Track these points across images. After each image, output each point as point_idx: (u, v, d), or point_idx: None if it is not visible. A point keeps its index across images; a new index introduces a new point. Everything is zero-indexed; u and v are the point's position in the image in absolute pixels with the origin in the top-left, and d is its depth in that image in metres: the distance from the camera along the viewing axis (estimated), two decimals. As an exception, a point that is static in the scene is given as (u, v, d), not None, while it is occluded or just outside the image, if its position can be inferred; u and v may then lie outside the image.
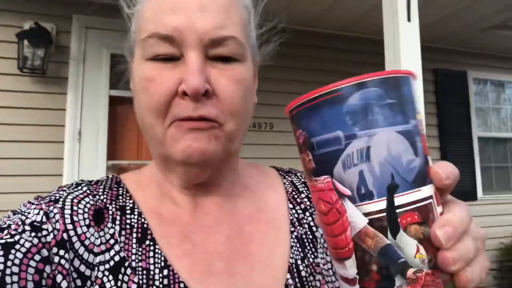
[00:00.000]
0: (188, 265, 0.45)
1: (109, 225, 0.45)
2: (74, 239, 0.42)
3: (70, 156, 2.60)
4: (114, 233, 0.44)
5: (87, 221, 0.43)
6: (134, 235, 0.45)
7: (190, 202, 0.50)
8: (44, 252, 0.39)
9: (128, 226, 0.45)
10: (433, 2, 2.93)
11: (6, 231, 0.39)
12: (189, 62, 0.42)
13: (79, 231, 0.42)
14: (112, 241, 0.43)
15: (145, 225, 0.46)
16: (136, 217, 0.46)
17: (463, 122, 4.04)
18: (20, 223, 0.41)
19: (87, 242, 0.42)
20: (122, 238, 0.44)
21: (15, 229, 0.40)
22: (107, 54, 2.74)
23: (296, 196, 0.57)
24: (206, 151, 0.43)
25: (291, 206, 0.56)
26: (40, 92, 2.62)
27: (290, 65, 3.25)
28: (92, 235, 0.43)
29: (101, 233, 0.43)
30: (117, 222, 0.45)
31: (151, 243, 0.44)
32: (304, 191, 0.59)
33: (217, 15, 0.43)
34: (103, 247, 0.43)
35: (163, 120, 0.43)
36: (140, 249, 0.44)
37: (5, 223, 0.41)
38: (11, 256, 0.37)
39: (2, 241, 0.38)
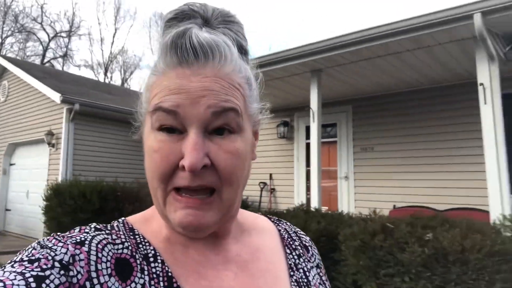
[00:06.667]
0: None
1: (139, 275, 0.46)
2: (97, 287, 0.42)
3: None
4: (144, 283, 0.46)
5: (109, 270, 0.44)
6: (161, 284, 0.47)
7: (198, 243, 0.53)
8: None
9: (155, 276, 0.47)
10: None
11: (36, 264, 0.40)
12: (189, 139, 0.45)
13: (101, 280, 0.43)
14: None
15: (169, 274, 0.48)
16: (160, 265, 0.48)
17: None
18: (50, 258, 0.41)
19: None
20: None
21: (45, 264, 0.40)
22: (303, 126, 7.28)
23: (291, 243, 0.64)
24: (202, 224, 0.47)
25: (288, 251, 0.62)
26: (285, 144, 7.43)
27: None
28: (113, 284, 0.43)
29: (132, 285, 0.45)
30: (146, 273, 0.47)
31: None
32: (296, 240, 0.65)
33: (218, 94, 0.47)
34: None
35: (165, 187, 0.47)
36: None
37: (34, 256, 0.41)
38: None
39: (34, 273, 0.39)
